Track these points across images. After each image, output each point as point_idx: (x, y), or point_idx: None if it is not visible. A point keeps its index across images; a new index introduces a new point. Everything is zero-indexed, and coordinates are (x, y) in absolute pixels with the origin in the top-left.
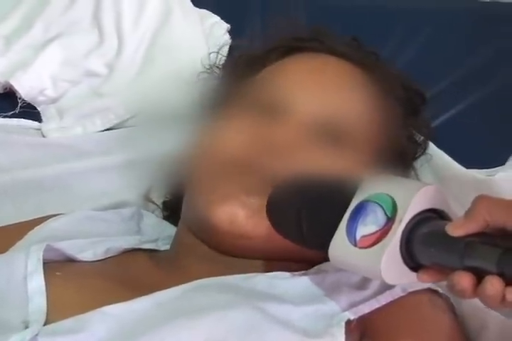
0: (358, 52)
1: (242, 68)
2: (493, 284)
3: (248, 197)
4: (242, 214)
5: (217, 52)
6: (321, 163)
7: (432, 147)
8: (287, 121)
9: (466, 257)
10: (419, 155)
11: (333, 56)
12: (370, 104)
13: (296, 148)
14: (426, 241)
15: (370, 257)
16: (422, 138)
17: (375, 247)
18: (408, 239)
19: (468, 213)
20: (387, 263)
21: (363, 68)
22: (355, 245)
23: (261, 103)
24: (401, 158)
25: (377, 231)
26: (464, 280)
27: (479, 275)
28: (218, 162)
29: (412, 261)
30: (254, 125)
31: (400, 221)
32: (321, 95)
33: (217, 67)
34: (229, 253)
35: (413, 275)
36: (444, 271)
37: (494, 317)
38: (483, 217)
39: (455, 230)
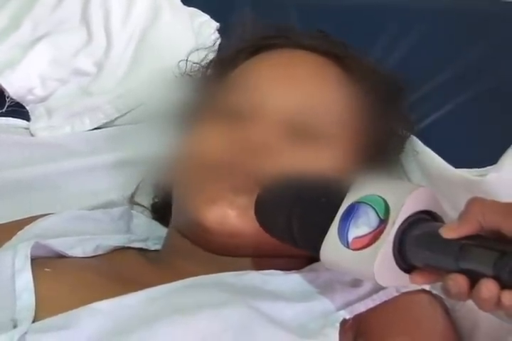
0: (325, 42)
1: (214, 71)
2: (488, 287)
3: (235, 197)
4: (231, 214)
5: (186, 60)
6: (300, 158)
7: (421, 145)
8: (259, 120)
9: (461, 260)
10: (402, 150)
11: (300, 50)
12: (343, 95)
13: (270, 146)
14: (419, 243)
15: (363, 259)
16: (404, 131)
17: (368, 249)
18: (401, 241)
19: (462, 215)
20: (381, 265)
21: (332, 59)
22: (347, 247)
23: (233, 103)
24: (384, 152)
25: (370, 233)
26: (459, 282)
27: (473, 278)
28: (200, 164)
29: (404, 262)
30: (229, 126)
31: (393, 223)
32: (290, 90)
33: (189, 74)
34: (221, 253)
35: (406, 276)
36: (437, 272)
37: (485, 318)
38: (477, 219)
39: (449, 232)
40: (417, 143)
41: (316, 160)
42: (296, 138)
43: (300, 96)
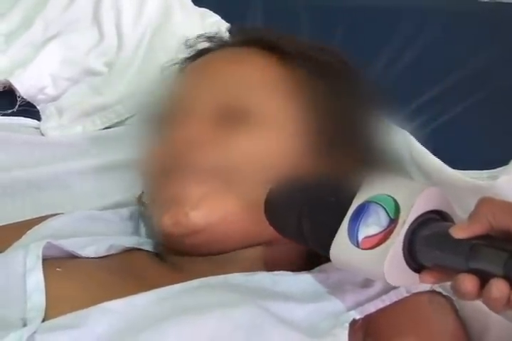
0: (244, 33)
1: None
2: (498, 287)
3: (184, 195)
4: (182, 213)
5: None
6: (234, 144)
7: (423, 150)
8: (184, 117)
9: (472, 260)
10: (376, 130)
11: (224, 48)
12: (269, 75)
13: (199, 139)
14: (429, 242)
15: (373, 258)
16: (369, 109)
17: (378, 248)
18: (411, 241)
19: (472, 215)
20: (391, 265)
21: (257, 46)
22: (357, 246)
23: (166, 110)
24: (349, 132)
25: (380, 233)
26: (469, 282)
27: (483, 278)
28: (147, 172)
29: (414, 262)
30: (166, 130)
31: (404, 222)
32: (207, 84)
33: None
34: (199, 254)
35: (415, 276)
36: (446, 272)
37: (496, 320)
38: (487, 219)
39: (459, 232)
40: (420, 150)
41: (256, 144)
42: (227, 125)
43: (219, 86)
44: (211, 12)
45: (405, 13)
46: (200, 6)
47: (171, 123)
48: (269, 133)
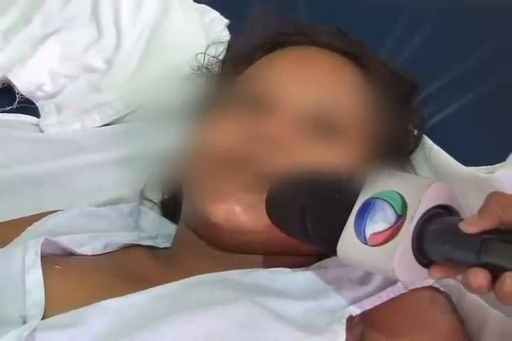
0: (343, 41)
1: (229, 66)
2: None
3: (244, 193)
4: (238, 210)
5: (205, 53)
6: (315, 155)
7: (430, 143)
8: (276, 114)
9: (483, 254)
10: (415, 148)
11: (318, 47)
12: (359, 93)
13: (286, 141)
14: (438, 237)
15: (382, 255)
16: (416, 129)
17: (387, 245)
18: (419, 236)
19: (482, 210)
20: (400, 261)
21: (350, 57)
22: (365, 243)
23: (249, 98)
24: (397, 150)
25: (388, 229)
26: (481, 276)
27: (494, 272)
28: (211, 159)
29: (422, 257)
30: (243, 121)
31: (412, 218)
32: (308, 87)
33: (206, 67)
34: (228, 250)
35: (424, 271)
36: (455, 266)
37: (493, 315)
38: (497, 213)
39: (469, 227)
40: (425, 141)
41: (332, 157)
42: (313, 134)
43: (319, 92)
44: (210, 8)
45: (403, 7)
46: (199, 2)
47: (248, 111)
48: (348, 150)
